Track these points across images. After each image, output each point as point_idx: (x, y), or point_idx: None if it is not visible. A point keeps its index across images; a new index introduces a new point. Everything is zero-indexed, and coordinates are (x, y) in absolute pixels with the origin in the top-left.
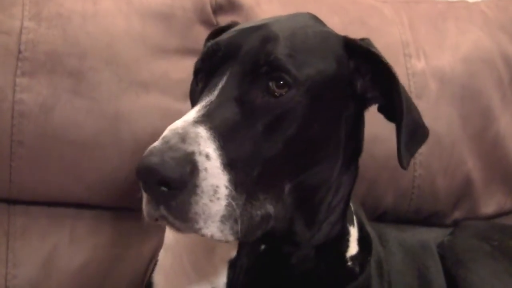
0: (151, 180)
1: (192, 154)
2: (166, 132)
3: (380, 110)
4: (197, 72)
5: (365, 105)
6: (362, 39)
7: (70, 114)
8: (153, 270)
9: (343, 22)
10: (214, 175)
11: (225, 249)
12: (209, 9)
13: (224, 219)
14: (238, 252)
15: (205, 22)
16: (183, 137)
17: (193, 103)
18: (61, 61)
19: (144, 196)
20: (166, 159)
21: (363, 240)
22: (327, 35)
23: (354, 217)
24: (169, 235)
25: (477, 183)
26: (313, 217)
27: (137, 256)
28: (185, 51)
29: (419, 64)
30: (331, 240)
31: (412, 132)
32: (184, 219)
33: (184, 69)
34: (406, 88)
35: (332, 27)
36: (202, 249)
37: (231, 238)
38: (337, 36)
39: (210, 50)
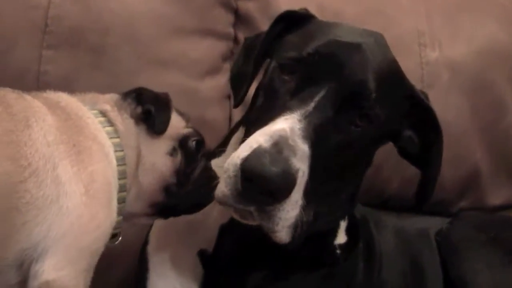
0: (260, 187)
1: (298, 171)
2: (276, 135)
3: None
4: (284, 66)
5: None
6: (422, 92)
7: (90, 88)
8: (149, 231)
9: (359, 11)
10: (301, 189)
11: (219, 213)
12: None
13: (292, 225)
14: (231, 219)
15: (225, 4)
16: (294, 150)
17: (272, 93)
18: (84, 36)
19: (234, 189)
20: (278, 173)
21: (351, 229)
22: (403, 78)
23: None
24: None
25: (485, 175)
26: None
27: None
28: (203, 32)
29: (433, 54)
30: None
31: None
32: (268, 221)
33: (202, 49)
34: (419, 77)
35: (348, 16)
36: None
37: (288, 240)
38: (408, 83)
39: (309, 57)
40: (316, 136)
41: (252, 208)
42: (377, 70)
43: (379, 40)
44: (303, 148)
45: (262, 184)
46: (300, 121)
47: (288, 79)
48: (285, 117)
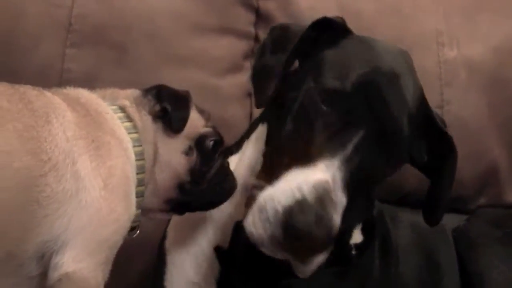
0: (301, 242)
1: (336, 227)
2: (320, 188)
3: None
4: (324, 95)
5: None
6: (438, 115)
7: (112, 85)
8: (167, 225)
9: (378, 10)
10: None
11: (235, 210)
12: None
13: (323, 264)
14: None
15: (246, 3)
16: (335, 206)
17: (309, 121)
18: (107, 34)
19: (272, 235)
20: (323, 234)
21: (367, 228)
22: (426, 103)
23: None
24: None
25: (503, 171)
26: None
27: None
28: (223, 30)
29: (451, 53)
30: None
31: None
32: (301, 264)
33: (222, 47)
34: (437, 75)
35: (368, 15)
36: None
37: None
38: (429, 107)
39: (350, 92)
40: (352, 182)
41: (288, 255)
42: (411, 107)
43: (408, 60)
44: (343, 201)
45: (304, 241)
46: (340, 169)
47: (327, 110)
48: (326, 163)
